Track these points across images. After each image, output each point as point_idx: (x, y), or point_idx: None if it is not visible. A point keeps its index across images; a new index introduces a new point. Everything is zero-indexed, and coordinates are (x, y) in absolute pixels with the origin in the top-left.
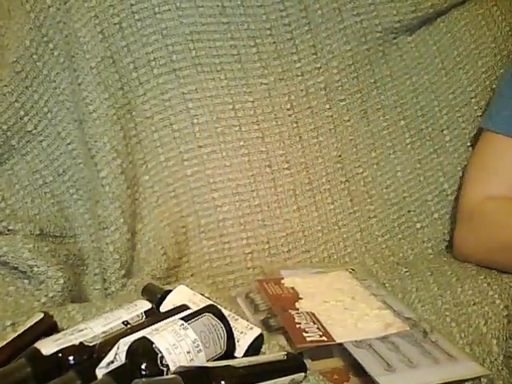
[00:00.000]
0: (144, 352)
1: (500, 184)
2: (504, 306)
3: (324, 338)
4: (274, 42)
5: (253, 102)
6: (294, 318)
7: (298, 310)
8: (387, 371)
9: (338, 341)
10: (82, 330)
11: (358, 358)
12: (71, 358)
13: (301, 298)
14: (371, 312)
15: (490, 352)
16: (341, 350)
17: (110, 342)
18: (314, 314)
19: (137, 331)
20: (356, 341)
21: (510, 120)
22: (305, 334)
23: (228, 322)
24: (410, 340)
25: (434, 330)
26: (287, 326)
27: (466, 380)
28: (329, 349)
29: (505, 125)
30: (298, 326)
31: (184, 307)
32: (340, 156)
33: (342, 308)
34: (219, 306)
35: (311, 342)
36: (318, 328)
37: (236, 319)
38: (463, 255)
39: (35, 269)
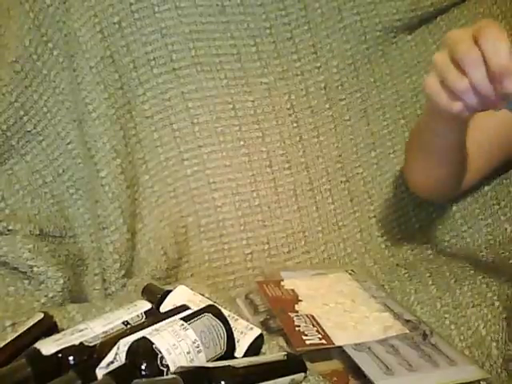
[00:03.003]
0: (144, 352)
1: None
2: (503, 307)
3: (323, 341)
4: (274, 42)
5: (253, 101)
6: (294, 321)
7: (297, 312)
8: (386, 375)
9: (337, 344)
10: (82, 330)
11: (358, 362)
12: (71, 358)
13: (300, 301)
14: (371, 314)
15: (490, 355)
16: (340, 352)
17: (110, 342)
18: (313, 317)
19: (137, 331)
20: (355, 344)
21: None
22: (304, 337)
23: (228, 322)
24: (410, 343)
25: (433, 332)
26: (287, 329)
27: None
28: (328, 351)
29: None
30: (297, 328)
31: (184, 307)
32: (340, 156)
33: (342, 310)
34: (219, 307)
35: (311, 345)
36: (317, 331)
37: (236, 319)
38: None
39: (35, 269)
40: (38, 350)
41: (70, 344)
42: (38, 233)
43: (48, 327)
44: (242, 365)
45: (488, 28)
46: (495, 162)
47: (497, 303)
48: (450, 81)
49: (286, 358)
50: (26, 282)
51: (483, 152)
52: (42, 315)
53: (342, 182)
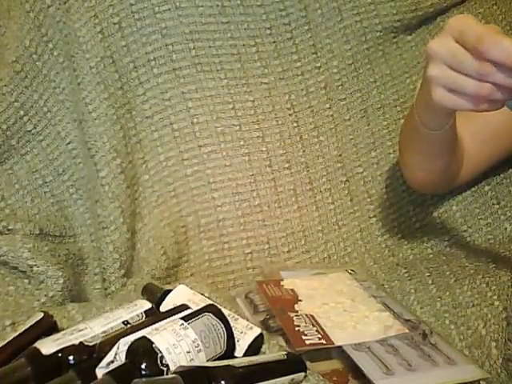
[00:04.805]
0: (144, 352)
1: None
2: (503, 307)
3: (323, 341)
4: (274, 42)
5: (253, 101)
6: (293, 321)
7: (297, 312)
8: (386, 375)
9: (337, 344)
10: (81, 330)
11: (357, 362)
12: (71, 357)
13: (300, 300)
14: (371, 314)
15: (489, 355)
16: (340, 351)
17: (109, 342)
18: (313, 317)
19: (137, 331)
20: (355, 343)
21: None
22: (304, 337)
23: (228, 321)
24: (410, 343)
25: (433, 332)
26: (286, 329)
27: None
28: (328, 351)
29: None
30: (297, 328)
31: (184, 307)
32: (340, 155)
33: (342, 310)
34: (219, 306)
35: (310, 344)
36: (317, 331)
37: (236, 319)
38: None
39: (35, 268)
40: (38, 350)
41: (69, 344)
42: (37, 232)
43: (48, 327)
44: (242, 364)
45: (486, 37)
46: (494, 154)
47: (497, 303)
48: (473, 90)
49: (285, 357)
50: (26, 281)
51: (481, 144)
52: (41, 315)
53: (341, 181)
